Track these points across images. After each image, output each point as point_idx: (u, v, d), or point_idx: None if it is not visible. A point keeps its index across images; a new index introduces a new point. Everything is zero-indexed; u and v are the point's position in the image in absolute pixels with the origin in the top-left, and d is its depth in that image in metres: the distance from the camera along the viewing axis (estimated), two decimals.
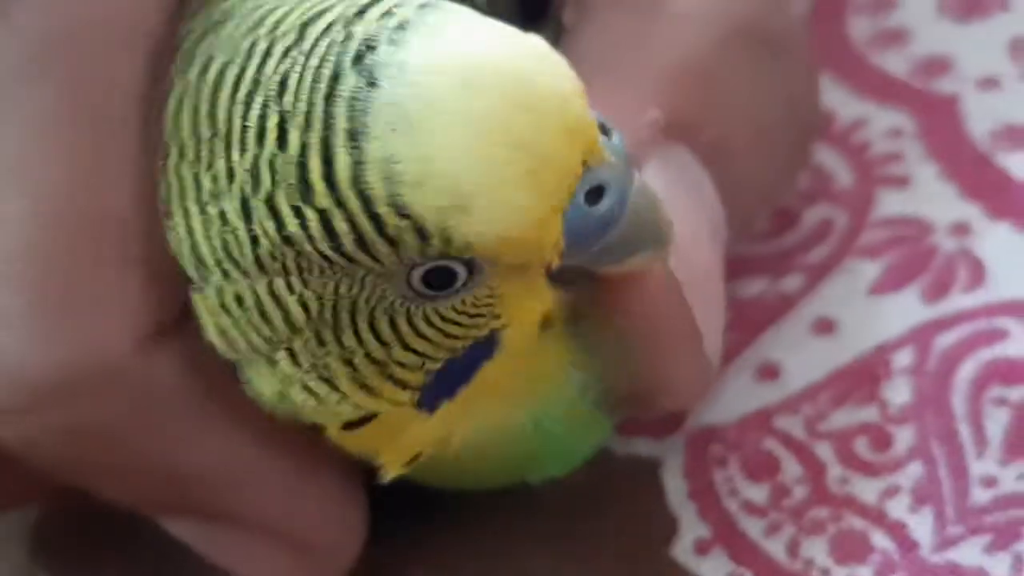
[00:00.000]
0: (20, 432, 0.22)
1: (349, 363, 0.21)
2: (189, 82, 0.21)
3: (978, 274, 0.27)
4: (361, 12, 0.21)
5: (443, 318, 0.21)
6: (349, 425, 0.22)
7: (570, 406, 0.22)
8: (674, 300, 0.22)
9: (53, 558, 0.25)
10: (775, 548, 0.24)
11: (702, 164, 0.24)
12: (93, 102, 0.21)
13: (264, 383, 0.21)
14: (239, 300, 0.21)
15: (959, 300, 0.27)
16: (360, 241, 0.20)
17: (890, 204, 0.28)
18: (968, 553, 0.24)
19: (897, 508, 0.24)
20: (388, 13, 0.21)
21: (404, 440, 0.22)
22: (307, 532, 0.23)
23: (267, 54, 0.21)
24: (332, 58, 0.21)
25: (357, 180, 0.20)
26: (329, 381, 0.21)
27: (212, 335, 0.21)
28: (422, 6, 0.21)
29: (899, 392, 0.26)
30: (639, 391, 0.23)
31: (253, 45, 0.21)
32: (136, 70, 0.22)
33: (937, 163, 0.28)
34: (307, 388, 0.21)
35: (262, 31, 0.21)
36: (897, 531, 0.24)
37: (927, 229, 0.27)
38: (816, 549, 0.24)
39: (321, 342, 0.21)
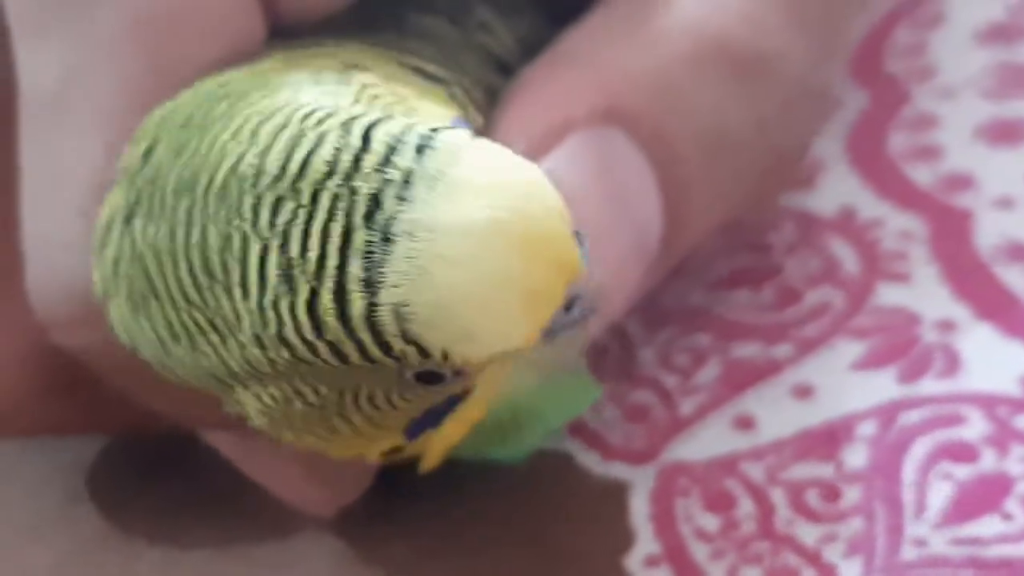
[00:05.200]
0: (78, 341, 0.26)
1: (348, 420, 0.24)
2: (159, 237, 0.23)
3: (952, 366, 0.29)
4: (356, 161, 0.22)
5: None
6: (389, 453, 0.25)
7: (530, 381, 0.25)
8: None
9: (103, 484, 0.29)
10: (716, 571, 0.27)
11: (642, 153, 0.26)
12: (172, 70, 0.25)
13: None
14: (258, 397, 0.24)
15: (929, 385, 0.29)
16: (366, 358, 0.23)
17: (887, 295, 0.30)
18: None
19: (831, 553, 0.27)
20: (386, 163, 0.22)
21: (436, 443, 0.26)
22: (326, 458, 0.26)
23: (256, 208, 0.22)
24: (340, 214, 0.22)
25: (370, 319, 0.22)
26: (332, 429, 0.24)
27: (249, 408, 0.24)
28: (419, 150, 0.22)
29: (856, 456, 0.28)
30: None
31: (239, 202, 0.22)
32: (211, 58, 0.25)
33: (938, 266, 0.31)
34: (314, 434, 0.24)
35: (243, 187, 0.22)
36: (827, 572, 0.27)
37: (915, 321, 0.30)
38: None
39: (324, 409, 0.24)
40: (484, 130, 0.26)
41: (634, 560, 0.27)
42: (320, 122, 0.23)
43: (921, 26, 0.35)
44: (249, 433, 0.25)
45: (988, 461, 0.28)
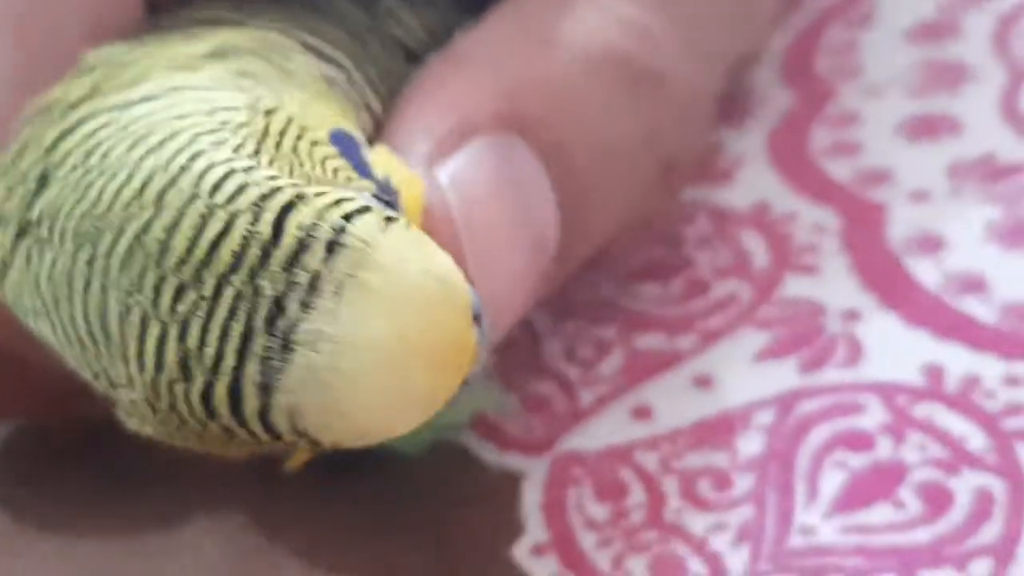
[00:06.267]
0: None
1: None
2: (56, 273, 0.23)
3: (855, 355, 0.29)
4: (264, 256, 0.21)
5: None
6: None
7: None
8: (446, 237, 0.24)
9: (11, 473, 0.29)
10: (601, 559, 0.27)
11: (540, 161, 0.26)
12: (39, 44, 0.25)
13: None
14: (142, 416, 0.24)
15: (830, 375, 0.29)
16: (257, 441, 0.23)
17: (794, 287, 0.30)
18: None
19: (719, 542, 0.27)
20: (295, 262, 0.21)
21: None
22: None
23: (159, 289, 0.22)
24: (242, 315, 0.21)
25: (263, 417, 0.22)
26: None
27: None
28: (330, 248, 0.22)
29: (751, 445, 0.28)
30: None
31: (142, 277, 0.22)
32: (81, 29, 0.25)
33: (848, 257, 0.31)
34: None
35: (147, 262, 0.22)
36: (712, 561, 0.27)
37: (820, 311, 0.30)
38: (637, 565, 0.27)
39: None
40: (384, 120, 0.26)
41: (522, 549, 0.27)
42: (231, 199, 0.22)
43: (853, 25, 0.35)
44: None
45: (884, 450, 0.28)
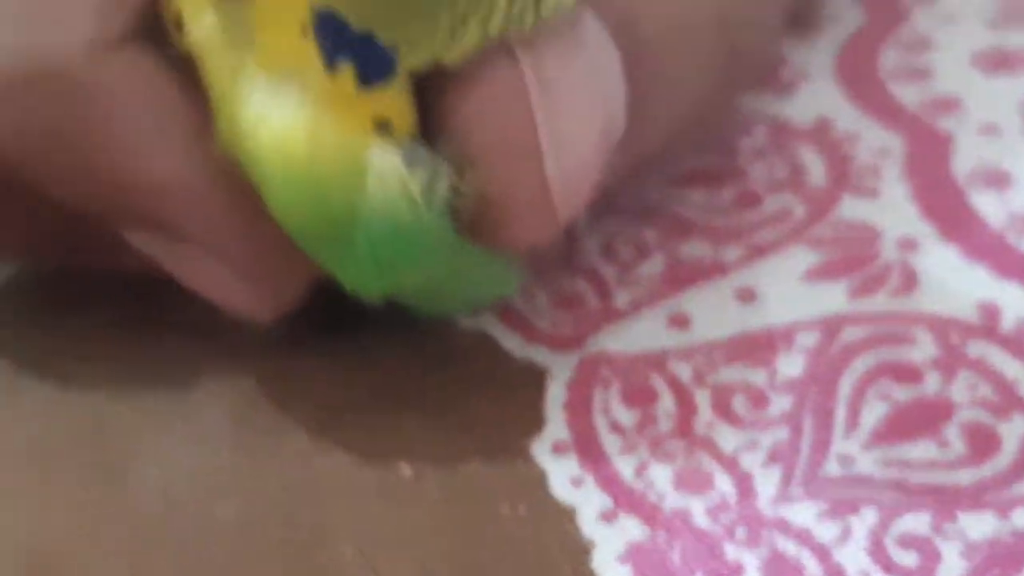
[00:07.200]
0: None
1: None
2: None
3: (909, 285, 0.28)
4: None
5: None
6: None
7: (407, 221, 0.24)
8: (518, 109, 0.23)
9: (10, 315, 0.27)
10: (624, 465, 0.25)
11: (610, 36, 0.25)
12: None
13: None
14: None
15: (882, 302, 0.27)
16: None
17: (851, 209, 0.29)
18: (801, 514, 0.25)
19: (750, 461, 0.25)
20: None
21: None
22: (257, 260, 0.25)
23: None
24: None
25: None
26: None
27: None
28: None
29: (792, 366, 0.26)
30: (479, 216, 0.24)
31: None
32: None
33: (910, 184, 0.29)
34: None
35: None
36: (742, 480, 0.25)
37: (877, 236, 0.28)
38: (661, 475, 0.25)
39: None
40: None
41: (541, 445, 0.26)
42: None
43: None
44: (176, 235, 0.24)
45: (932, 385, 0.26)
